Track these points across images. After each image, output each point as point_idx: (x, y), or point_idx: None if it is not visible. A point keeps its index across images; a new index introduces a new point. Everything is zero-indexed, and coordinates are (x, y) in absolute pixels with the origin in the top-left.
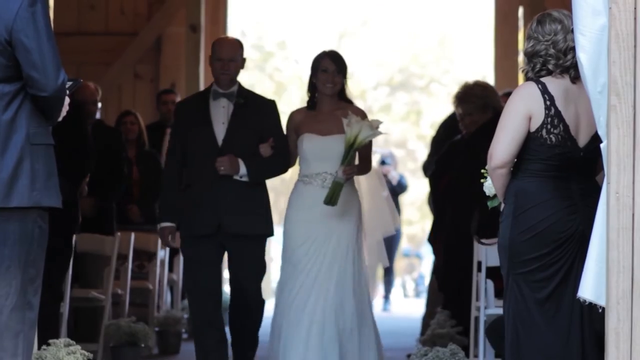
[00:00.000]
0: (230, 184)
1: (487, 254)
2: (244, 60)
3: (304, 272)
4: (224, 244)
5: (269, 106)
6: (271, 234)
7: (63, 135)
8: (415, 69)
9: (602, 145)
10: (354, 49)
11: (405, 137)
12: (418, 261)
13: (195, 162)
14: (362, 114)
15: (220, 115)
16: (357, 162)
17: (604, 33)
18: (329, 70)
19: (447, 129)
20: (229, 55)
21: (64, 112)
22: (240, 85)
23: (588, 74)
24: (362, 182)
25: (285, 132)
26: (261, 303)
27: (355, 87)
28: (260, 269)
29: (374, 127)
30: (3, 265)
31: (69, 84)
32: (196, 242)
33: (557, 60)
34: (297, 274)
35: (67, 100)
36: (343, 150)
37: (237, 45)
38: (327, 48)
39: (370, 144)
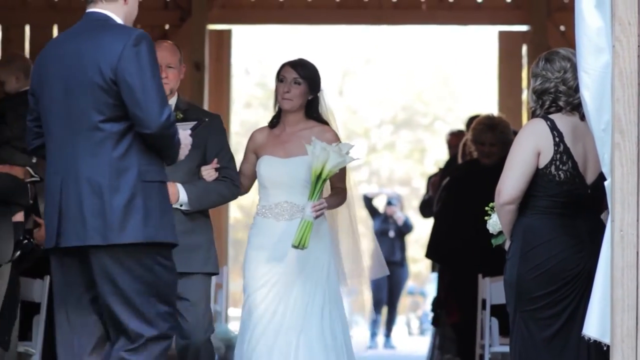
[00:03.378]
0: None
1: (491, 291)
2: (183, 68)
3: (262, 321)
4: None
5: (213, 121)
6: (215, 272)
7: None
8: (419, 107)
9: (606, 183)
10: (358, 87)
11: (409, 175)
12: (422, 299)
13: None
14: (332, 137)
15: None
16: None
17: (607, 71)
18: (286, 79)
19: (447, 172)
20: (167, 60)
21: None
22: (179, 97)
23: (592, 111)
24: (338, 214)
25: (243, 153)
26: (210, 353)
27: (359, 125)
28: (204, 311)
29: (344, 152)
30: (116, 299)
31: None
32: None
33: (567, 97)
34: (252, 323)
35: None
36: (305, 175)
37: (175, 50)
38: (333, 85)
39: (343, 168)
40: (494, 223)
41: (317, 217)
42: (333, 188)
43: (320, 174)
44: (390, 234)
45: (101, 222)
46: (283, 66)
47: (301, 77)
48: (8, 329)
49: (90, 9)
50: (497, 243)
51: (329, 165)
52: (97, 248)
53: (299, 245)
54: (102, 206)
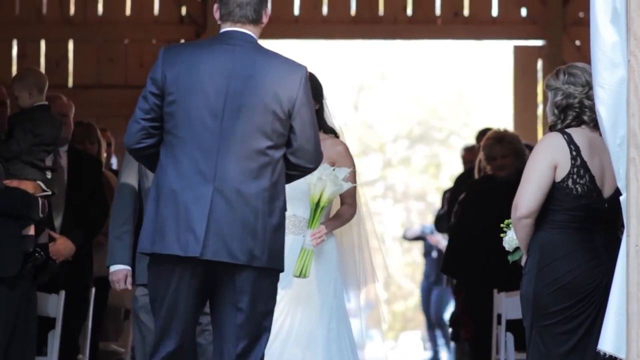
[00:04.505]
0: None
1: (507, 306)
2: None
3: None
4: None
5: None
6: None
7: (80, 184)
8: (434, 122)
9: (621, 198)
10: (373, 102)
11: (425, 189)
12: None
13: None
14: (343, 149)
15: None
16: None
17: (623, 85)
18: None
19: (462, 184)
20: None
21: None
22: None
23: (607, 126)
24: (349, 230)
25: None
26: None
27: (375, 140)
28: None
29: (340, 180)
30: (245, 321)
31: None
32: None
33: (592, 112)
34: None
35: None
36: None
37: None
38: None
39: (354, 187)
40: (509, 240)
41: (317, 244)
42: (343, 203)
43: (318, 202)
44: (434, 255)
45: (254, 244)
46: None
47: None
48: (28, 348)
49: (233, 28)
50: (514, 259)
51: (326, 193)
52: (237, 266)
53: (300, 275)
54: (258, 228)
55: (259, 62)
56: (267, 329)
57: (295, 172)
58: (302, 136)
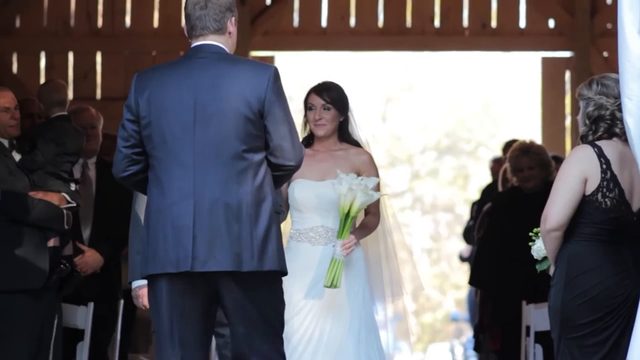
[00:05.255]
0: None
1: (535, 318)
2: None
3: (298, 348)
4: None
5: None
6: None
7: (108, 196)
8: (462, 133)
9: None
10: (401, 114)
11: (453, 201)
12: (467, 325)
13: None
14: (368, 159)
15: None
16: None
17: None
18: (315, 106)
19: (489, 196)
20: None
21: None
22: None
23: (635, 138)
24: (375, 243)
25: None
26: None
27: (403, 151)
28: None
29: (370, 190)
30: (256, 327)
31: None
32: None
33: (623, 124)
34: (290, 350)
35: None
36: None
37: None
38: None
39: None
40: (538, 249)
41: (347, 254)
42: (367, 213)
43: (348, 212)
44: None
45: (241, 249)
46: (309, 94)
47: (329, 103)
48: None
49: (200, 42)
50: (542, 269)
51: (356, 203)
52: (231, 274)
53: (331, 285)
54: (243, 234)
55: (224, 70)
56: (279, 331)
57: (279, 172)
58: (276, 134)
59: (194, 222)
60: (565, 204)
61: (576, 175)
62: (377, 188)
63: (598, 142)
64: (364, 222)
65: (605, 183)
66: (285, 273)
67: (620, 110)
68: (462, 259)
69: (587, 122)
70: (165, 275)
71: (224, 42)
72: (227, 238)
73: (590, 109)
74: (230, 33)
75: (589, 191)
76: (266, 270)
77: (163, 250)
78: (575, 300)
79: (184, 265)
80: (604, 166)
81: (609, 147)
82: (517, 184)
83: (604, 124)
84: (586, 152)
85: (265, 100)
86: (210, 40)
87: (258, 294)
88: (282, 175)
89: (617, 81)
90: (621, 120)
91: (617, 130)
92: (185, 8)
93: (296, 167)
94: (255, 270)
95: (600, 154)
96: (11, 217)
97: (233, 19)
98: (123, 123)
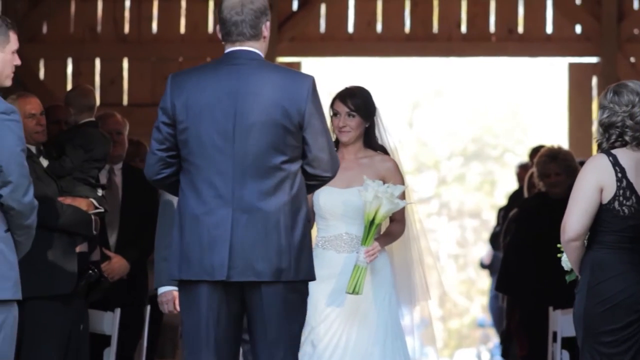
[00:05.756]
0: None
1: (562, 324)
2: None
3: (325, 354)
4: None
5: None
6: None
7: (134, 202)
8: (488, 139)
9: None
10: (428, 119)
11: (479, 207)
12: (493, 331)
13: None
14: (393, 166)
15: None
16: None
17: None
18: (339, 113)
19: (516, 202)
20: None
21: None
22: None
23: None
24: (400, 249)
25: None
26: None
27: (429, 157)
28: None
29: (396, 198)
30: (282, 333)
31: None
32: None
33: (634, 132)
34: (317, 356)
35: None
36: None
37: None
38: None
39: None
40: (566, 260)
41: (370, 261)
42: (393, 220)
43: (373, 220)
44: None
45: (279, 259)
46: (334, 100)
47: (354, 110)
48: None
49: (236, 47)
50: (571, 279)
51: (381, 211)
52: (267, 283)
53: (353, 292)
54: (281, 244)
55: (264, 78)
56: (299, 341)
57: (314, 181)
58: (315, 146)
59: (232, 232)
60: (583, 214)
61: (592, 184)
62: (403, 196)
63: (613, 151)
64: (389, 229)
65: (621, 192)
66: (313, 279)
67: (631, 117)
68: (483, 265)
69: (601, 129)
70: (203, 282)
71: (259, 48)
72: (265, 248)
73: (604, 116)
74: (264, 37)
75: (605, 200)
76: (300, 280)
77: (198, 258)
78: (598, 307)
79: (219, 274)
80: (619, 174)
81: (624, 155)
82: (544, 189)
83: (615, 131)
84: (601, 161)
85: (305, 112)
86: (247, 46)
87: (289, 302)
88: (316, 184)
89: (631, 90)
90: (631, 127)
91: (627, 137)
92: (220, 12)
93: (332, 178)
94: (292, 280)
95: (615, 163)
96: (41, 223)
97: (268, 23)
98: (158, 125)
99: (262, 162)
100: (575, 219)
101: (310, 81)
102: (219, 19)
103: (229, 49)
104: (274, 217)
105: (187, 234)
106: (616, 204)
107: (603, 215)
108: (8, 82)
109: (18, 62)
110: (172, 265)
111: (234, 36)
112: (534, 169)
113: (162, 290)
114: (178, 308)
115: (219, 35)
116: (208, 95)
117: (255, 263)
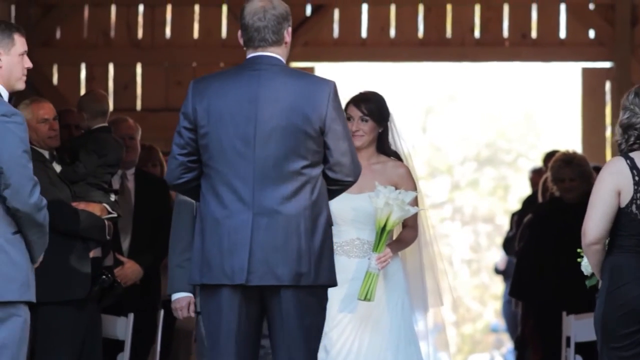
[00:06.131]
0: None
1: (576, 329)
2: None
3: (339, 358)
4: None
5: None
6: None
7: (147, 207)
8: (502, 144)
9: None
10: (441, 124)
11: (493, 212)
12: (506, 336)
13: None
14: (405, 172)
15: None
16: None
17: None
18: (353, 118)
19: (529, 207)
20: None
21: None
22: None
23: None
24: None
25: None
26: None
27: (443, 162)
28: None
29: (407, 204)
30: (301, 337)
31: None
32: None
33: None
34: None
35: None
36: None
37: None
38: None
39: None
40: (586, 265)
41: (382, 268)
42: (405, 226)
43: (384, 227)
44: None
45: (299, 264)
46: (348, 104)
47: (367, 115)
48: None
49: (258, 53)
50: (591, 284)
51: (392, 218)
52: (287, 287)
53: (365, 299)
54: (301, 248)
55: (285, 84)
56: (317, 346)
57: (335, 186)
58: (337, 151)
59: (252, 236)
60: (602, 218)
61: (609, 188)
62: (415, 202)
63: (631, 154)
64: (401, 235)
65: (638, 195)
66: (334, 285)
67: None
68: (497, 271)
69: (620, 130)
70: (224, 285)
71: (281, 53)
72: (285, 253)
73: (624, 117)
74: (286, 43)
75: (623, 203)
76: (320, 285)
77: (218, 262)
78: (617, 312)
79: (239, 278)
80: (637, 178)
81: None
82: (558, 194)
83: (634, 132)
84: (618, 165)
85: (327, 118)
86: (269, 52)
87: (309, 306)
88: (337, 189)
89: None
90: None
91: None
92: (242, 18)
93: (353, 183)
94: (311, 284)
95: (633, 166)
96: (54, 228)
97: (289, 28)
98: (179, 130)
99: (282, 166)
100: (595, 223)
101: (332, 86)
102: (241, 24)
103: (251, 54)
104: (294, 221)
105: (208, 238)
106: (634, 207)
107: (621, 218)
108: (20, 85)
109: (29, 64)
110: (193, 270)
111: (256, 42)
112: (548, 174)
113: (176, 296)
114: (193, 314)
115: (241, 41)
116: (229, 100)
117: (275, 267)
